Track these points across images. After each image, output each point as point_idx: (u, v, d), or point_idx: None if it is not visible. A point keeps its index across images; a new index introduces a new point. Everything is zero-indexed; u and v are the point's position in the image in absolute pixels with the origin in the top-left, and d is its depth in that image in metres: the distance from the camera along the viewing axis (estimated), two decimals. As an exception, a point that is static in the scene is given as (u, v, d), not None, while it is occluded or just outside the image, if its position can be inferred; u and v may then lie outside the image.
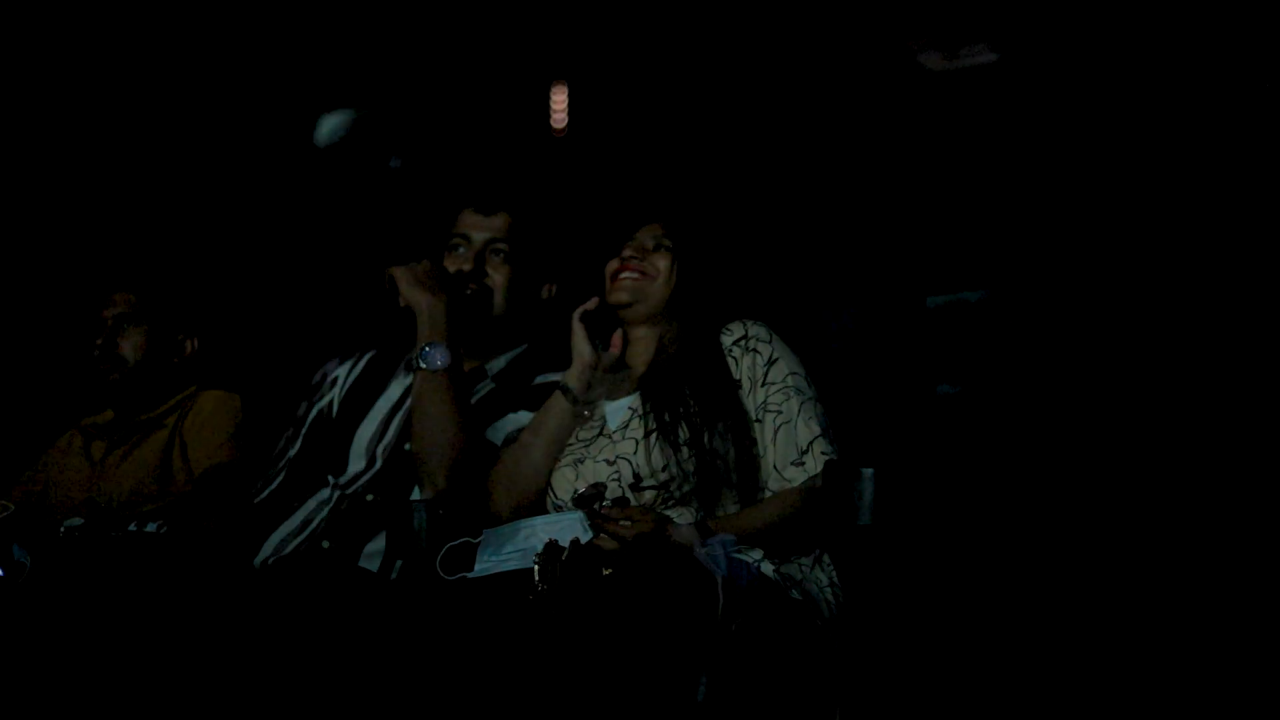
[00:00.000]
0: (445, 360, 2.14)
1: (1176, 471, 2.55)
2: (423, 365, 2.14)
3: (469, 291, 2.28)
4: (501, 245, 2.30)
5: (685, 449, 1.87)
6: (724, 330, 1.98)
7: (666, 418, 1.92)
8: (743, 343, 1.95)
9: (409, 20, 3.71)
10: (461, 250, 2.31)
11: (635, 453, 1.92)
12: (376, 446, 2.23)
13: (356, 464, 2.23)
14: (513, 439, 2.18)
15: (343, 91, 4.00)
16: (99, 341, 2.58)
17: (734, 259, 2.15)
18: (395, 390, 2.30)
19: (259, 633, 1.78)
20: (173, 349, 2.62)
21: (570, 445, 2.02)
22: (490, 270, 2.29)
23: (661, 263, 2.08)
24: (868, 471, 1.73)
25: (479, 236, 2.31)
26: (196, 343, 2.65)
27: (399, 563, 2.05)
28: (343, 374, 2.41)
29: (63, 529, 2.13)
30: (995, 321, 3.03)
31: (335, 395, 2.38)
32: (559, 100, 4.28)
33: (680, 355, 2.02)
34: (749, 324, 1.97)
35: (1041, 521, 2.66)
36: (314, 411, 2.37)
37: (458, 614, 1.73)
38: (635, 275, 2.07)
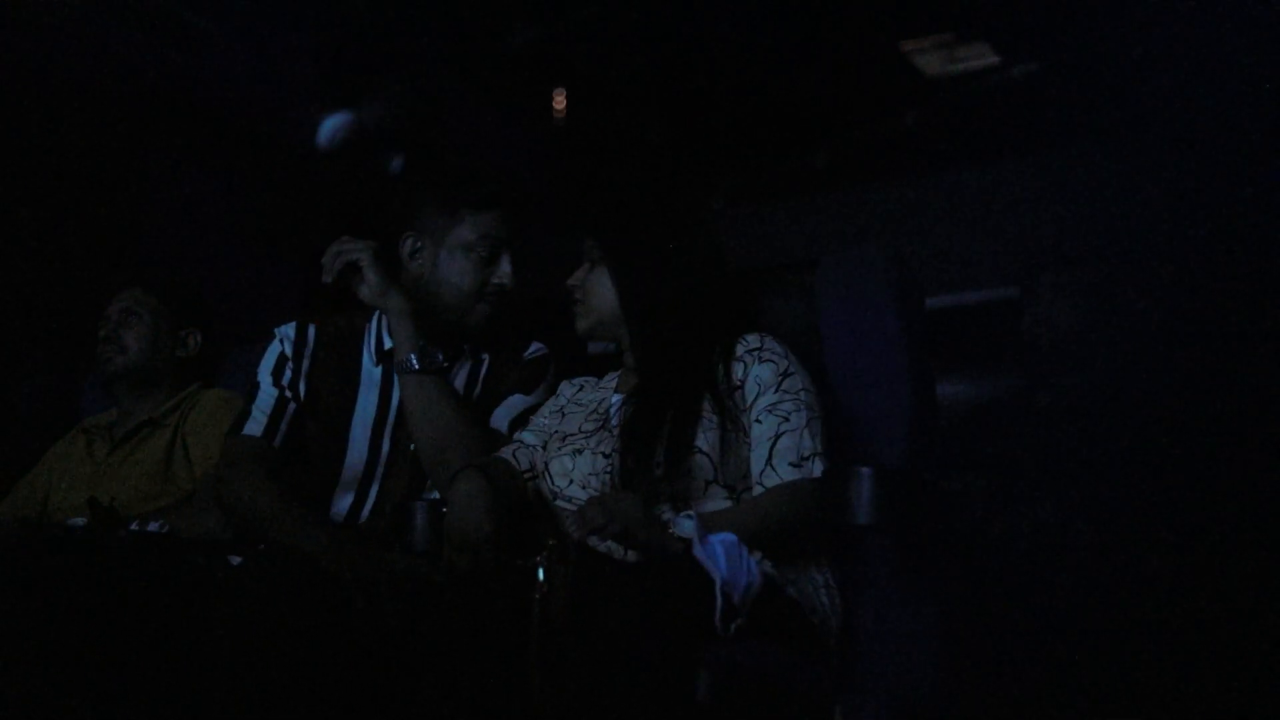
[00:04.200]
0: (439, 360, 2.11)
1: (1180, 474, 2.56)
2: (416, 368, 2.10)
3: (494, 307, 2.20)
4: (518, 251, 2.21)
5: (662, 448, 1.87)
6: (740, 339, 1.97)
7: (640, 417, 1.92)
8: (757, 352, 1.94)
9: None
10: (484, 254, 2.19)
11: (624, 449, 1.92)
12: (376, 468, 2.19)
13: (347, 492, 2.18)
14: (519, 422, 2.16)
15: (344, 90, 4.02)
16: (103, 333, 2.60)
17: (688, 254, 2.03)
18: (369, 396, 2.23)
19: (260, 634, 1.78)
20: (175, 342, 2.63)
21: (572, 435, 2.01)
22: (513, 278, 2.20)
23: (594, 279, 2.03)
24: (866, 471, 1.72)
25: (502, 242, 2.20)
26: (199, 338, 2.66)
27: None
28: (289, 348, 2.26)
29: (65, 529, 2.13)
30: (997, 322, 3.03)
31: (295, 375, 2.24)
32: (559, 97, 4.29)
33: (648, 360, 2.00)
34: (765, 338, 1.96)
35: (1042, 522, 2.67)
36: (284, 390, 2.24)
37: (458, 614, 1.73)
38: (578, 308, 2.05)
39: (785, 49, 3.86)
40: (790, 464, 1.84)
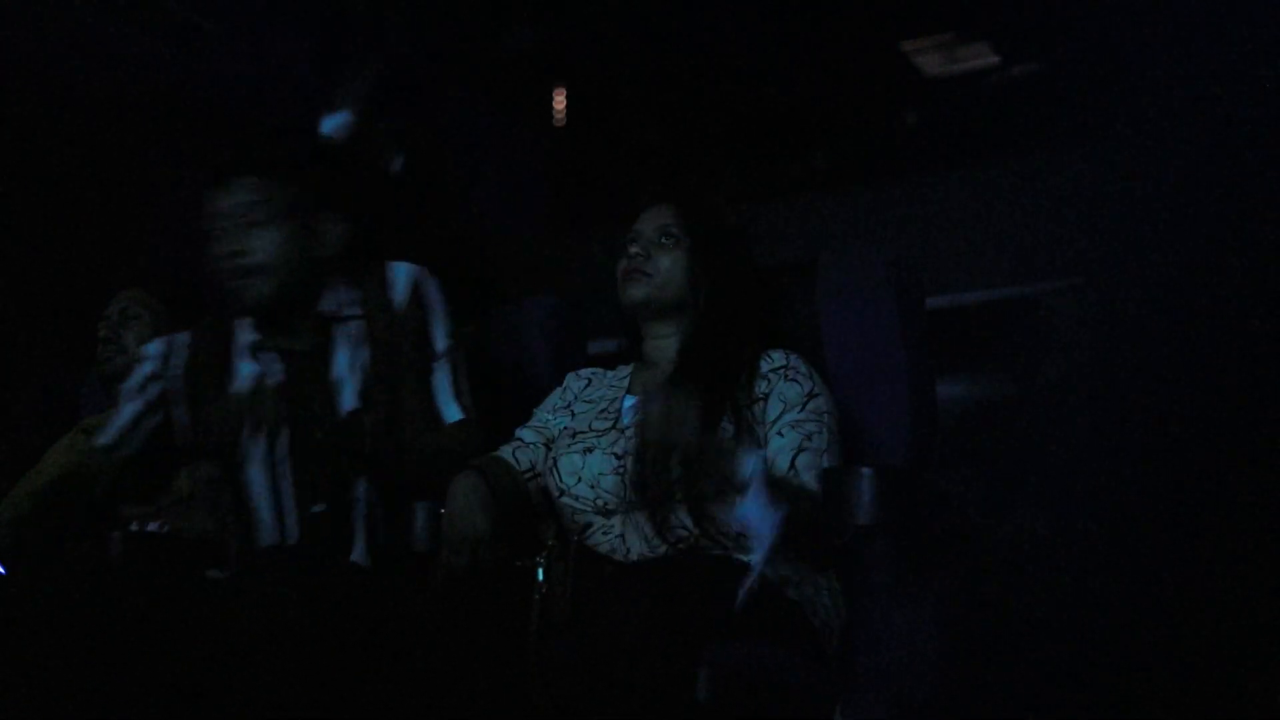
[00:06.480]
0: None
1: (1181, 474, 2.55)
2: None
3: None
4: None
5: (677, 455, 1.85)
6: (765, 355, 1.95)
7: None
8: (783, 370, 1.92)
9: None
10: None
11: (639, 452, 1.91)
12: None
13: None
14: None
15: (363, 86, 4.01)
16: (103, 333, 2.60)
17: (750, 255, 2.05)
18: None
19: (260, 634, 1.78)
20: None
21: (583, 433, 2.00)
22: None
23: (665, 260, 2.00)
24: (867, 471, 1.72)
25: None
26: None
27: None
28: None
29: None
30: (997, 322, 3.03)
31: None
32: (559, 96, 4.28)
33: (691, 360, 1.99)
34: (791, 355, 1.95)
35: (1041, 521, 2.67)
36: None
37: (458, 612, 1.73)
38: (639, 276, 2.00)
39: (785, 49, 3.86)
40: (814, 475, 1.84)
